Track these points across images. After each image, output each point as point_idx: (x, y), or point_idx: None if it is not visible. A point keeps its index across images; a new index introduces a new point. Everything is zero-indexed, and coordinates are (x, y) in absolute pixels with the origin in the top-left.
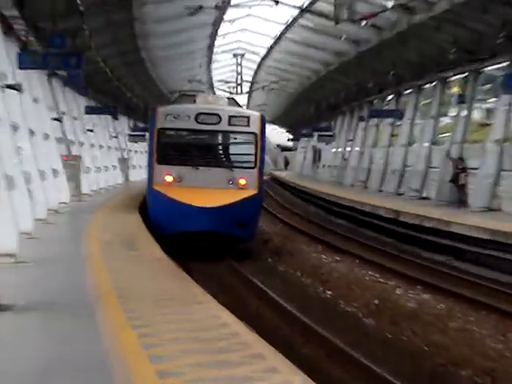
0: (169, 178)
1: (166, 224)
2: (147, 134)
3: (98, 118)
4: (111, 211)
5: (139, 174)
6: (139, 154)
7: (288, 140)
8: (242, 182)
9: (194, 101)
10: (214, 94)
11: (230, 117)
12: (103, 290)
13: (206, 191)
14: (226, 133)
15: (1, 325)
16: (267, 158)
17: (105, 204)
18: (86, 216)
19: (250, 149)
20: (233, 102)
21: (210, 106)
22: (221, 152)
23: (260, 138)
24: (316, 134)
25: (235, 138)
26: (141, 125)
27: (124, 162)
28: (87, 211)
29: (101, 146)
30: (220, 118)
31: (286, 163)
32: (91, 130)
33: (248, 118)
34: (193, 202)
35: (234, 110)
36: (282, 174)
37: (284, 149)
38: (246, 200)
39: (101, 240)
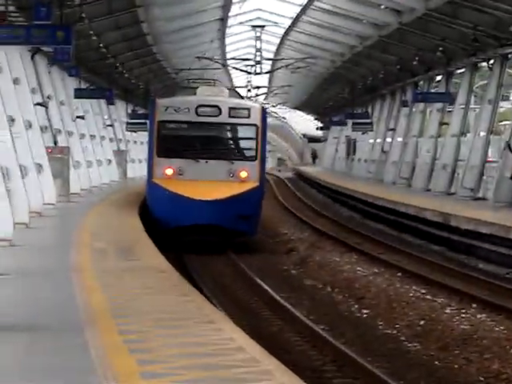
0: (169, 171)
1: (166, 218)
2: (148, 122)
3: (89, 102)
4: (106, 214)
5: (139, 170)
6: (139, 145)
7: (317, 129)
8: (243, 174)
9: (195, 93)
10: (228, 72)
11: (231, 108)
12: (95, 308)
13: (206, 184)
14: (226, 125)
15: None
16: (292, 151)
17: (98, 205)
18: (75, 219)
19: (251, 141)
20: (234, 93)
21: (210, 97)
22: (221, 144)
23: (261, 130)
24: (350, 121)
25: (236, 130)
26: (141, 111)
27: (121, 155)
28: (77, 214)
29: (93, 136)
30: (220, 110)
31: (314, 157)
32: (82, 117)
33: (249, 109)
34: (193, 195)
35: (235, 101)
36: (309, 170)
37: (311, 139)
38: (248, 193)
39: (93, 248)
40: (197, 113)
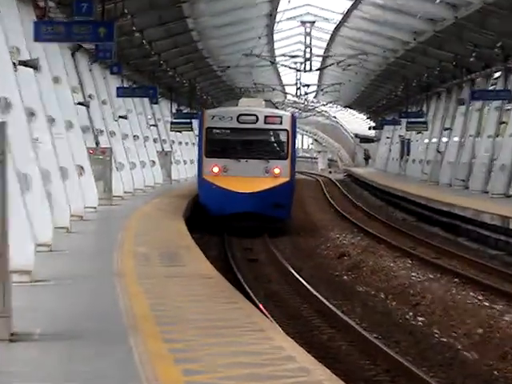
0: (216, 169)
1: (214, 207)
2: (198, 129)
3: (132, 101)
4: (149, 218)
5: (185, 172)
6: (184, 146)
7: (369, 128)
8: (277, 171)
9: (237, 104)
10: (277, 70)
11: (266, 117)
12: (138, 315)
13: (246, 179)
14: (262, 130)
15: (11, 359)
16: (343, 152)
17: (141, 209)
18: (117, 223)
19: (283, 143)
20: (269, 103)
21: (249, 108)
22: (258, 146)
23: (291, 134)
24: (404, 121)
25: (270, 134)
26: (186, 110)
27: (165, 157)
28: (120, 217)
29: (136, 137)
30: (257, 117)
31: (367, 157)
32: (124, 117)
33: (281, 117)
34: (236, 188)
35: (269, 111)
36: (362, 171)
37: (363, 139)
38: (281, 186)
39: (136, 253)
40: (238, 120)
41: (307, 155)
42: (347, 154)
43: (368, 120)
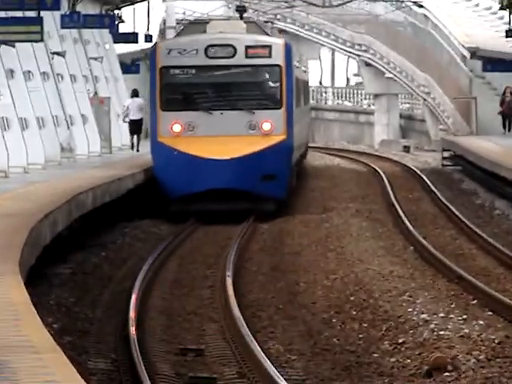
0: (177, 128)
1: (175, 184)
2: (150, 70)
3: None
4: None
5: (25, 151)
6: (21, 80)
7: (507, 35)
8: (267, 126)
9: (204, 30)
10: None
11: (248, 47)
12: None
13: (222, 140)
14: (243, 67)
15: None
16: (441, 97)
17: None
18: None
19: (274, 85)
20: (254, 27)
21: (222, 35)
22: (238, 91)
23: (286, 71)
24: None
25: (255, 73)
26: None
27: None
28: None
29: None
30: (235, 49)
31: (509, 112)
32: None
33: (269, 47)
34: (207, 154)
35: (252, 38)
36: (492, 148)
37: (493, 64)
38: (273, 148)
39: None
40: (207, 54)
41: (347, 106)
42: (451, 103)
43: (504, 13)
